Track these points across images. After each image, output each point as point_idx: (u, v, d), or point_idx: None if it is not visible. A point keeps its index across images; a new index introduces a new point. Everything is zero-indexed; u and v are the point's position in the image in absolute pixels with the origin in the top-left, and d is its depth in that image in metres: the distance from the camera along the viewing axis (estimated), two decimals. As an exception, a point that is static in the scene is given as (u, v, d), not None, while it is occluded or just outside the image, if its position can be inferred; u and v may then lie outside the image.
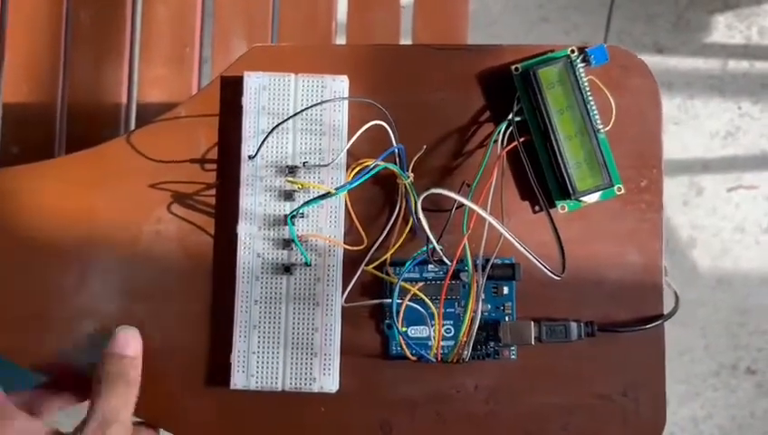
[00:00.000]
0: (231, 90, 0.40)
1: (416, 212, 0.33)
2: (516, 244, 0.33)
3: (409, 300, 0.36)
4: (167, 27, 0.61)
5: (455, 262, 0.34)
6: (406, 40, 0.64)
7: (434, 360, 0.36)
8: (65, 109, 0.61)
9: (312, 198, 0.37)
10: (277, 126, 0.37)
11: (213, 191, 0.40)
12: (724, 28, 1.02)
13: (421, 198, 0.32)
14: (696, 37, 1.02)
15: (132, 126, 0.62)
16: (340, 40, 0.64)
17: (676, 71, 1.01)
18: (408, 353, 0.35)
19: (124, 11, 0.61)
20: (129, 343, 0.38)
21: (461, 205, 0.36)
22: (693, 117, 1.01)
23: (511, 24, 1.02)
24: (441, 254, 0.35)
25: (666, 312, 0.39)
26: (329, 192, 0.36)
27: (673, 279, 0.41)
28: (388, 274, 0.38)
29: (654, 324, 0.38)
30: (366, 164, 0.37)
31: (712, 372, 0.99)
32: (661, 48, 1.01)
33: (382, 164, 0.36)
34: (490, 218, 0.32)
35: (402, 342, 0.35)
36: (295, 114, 0.37)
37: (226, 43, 0.62)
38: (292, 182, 0.37)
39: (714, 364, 0.99)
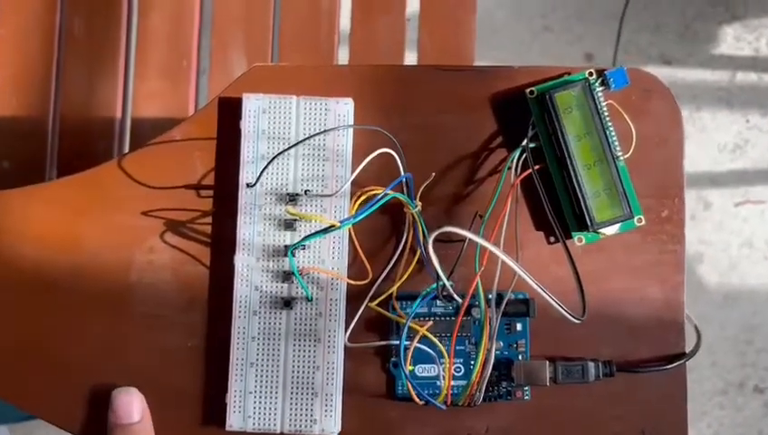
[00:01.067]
0: (229, 112, 0.38)
1: (425, 245, 0.31)
2: (533, 284, 0.30)
3: (417, 341, 0.34)
4: (163, 39, 0.59)
5: (467, 299, 0.32)
6: (410, 53, 0.62)
7: (443, 407, 0.33)
8: (57, 123, 0.59)
9: (314, 230, 0.35)
10: (278, 155, 0.35)
11: (209, 219, 0.38)
12: (733, 40, 1.01)
13: (432, 236, 0.30)
14: (704, 48, 1.00)
15: (127, 141, 0.60)
16: (343, 52, 0.62)
17: (683, 82, 0.99)
18: (415, 398, 0.33)
19: (119, 22, 0.59)
20: (133, 405, 0.35)
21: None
22: (700, 130, 0.99)
23: (514, 34, 1.00)
24: (451, 290, 0.33)
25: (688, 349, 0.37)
26: (332, 225, 0.34)
27: (692, 312, 0.39)
28: (394, 308, 0.36)
29: (676, 364, 0.36)
30: (372, 193, 0.35)
31: (719, 391, 0.97)
32: (668, 59, 0.99)
33: (390, 194, 0.34)
34: (506, 258, 0.30)
35: (409, 386, 0.33)
36: (296, 144, 0.35)
37: (225, 56, 0.60)
38: (291, 214, 0.35)
39: (720, 382, 0.97)
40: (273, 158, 0.35)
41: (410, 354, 0.34)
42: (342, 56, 0.63)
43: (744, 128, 1.00)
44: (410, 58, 0.62)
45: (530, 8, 1.00)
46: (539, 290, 0.31)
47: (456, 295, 0.33)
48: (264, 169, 0.35)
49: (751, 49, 1.00)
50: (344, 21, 0.61)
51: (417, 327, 0.33)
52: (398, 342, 0.33)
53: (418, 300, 0.34)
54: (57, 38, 0.59)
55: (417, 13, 0.61)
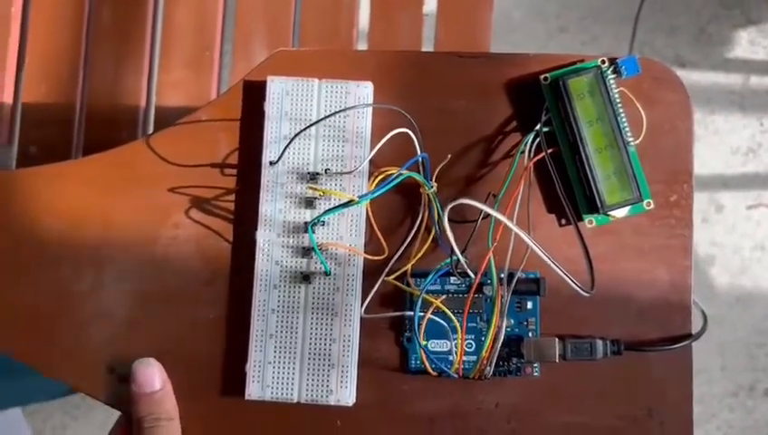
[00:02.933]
0: (253, 94, 0.39)
1: (440, 223, 0.32)
2: (546, 258, 0.32)
3: (433, 312, 0.35)
4: (187, 30, 0.61)
5: (479, 275, 0.33)
6: (428, 47, 0.63)
7: (455, 376, 0.35)
8: (84, 110, 0.61)
9: (333, 205, 0.36)
10: (300, 133, 0.36)
11: (232, 197, 0.39)
12: (747, 43, 1.01)
13: (448, 208, 0.31)
14: (718, 51, 1.01)
15: (150, 129, 0.61)
16: (362, 47, 0.63)
17: (697, 85, 0.99)
18: (428, 368, 0.34)
19: (145, 13, 0.61)
20: (154, 375, 0.37)
21: (487, 216, 0.35)
22: (713, 132, 1.00)
23: (530, 34, 1.01)
24: (465, 266, 0.34)
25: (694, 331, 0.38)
26: (351, 200, 0.35)
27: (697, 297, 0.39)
28: (409, 284, 0.37)
29: (682, 344, 0.37)
30: (389, 172, 0.36)
31: (729, 393, 0.97)
32: (683, 62, 1.00)
33: (406, 173, 0.35)
34: (518, 230, 0.31)
35: (423, 356, 0.34)
36: (318, 121, 0.36)
37: (247, 48, 0.61)
38: (313, 189, 0.36)
39: (731, 385, 0.97)
40: (295, 135, 0.36)
41: (424, 326, 0.35)
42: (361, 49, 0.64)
43: (758, 131, 1.00)
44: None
45: (546, 9, 1.01)
46: (550, 263, 0.32)
47: (469, 271, 0.35)
48: (286, 147, 0.36)
49: (765, 53, 1.01)
50: (363, 16, 0.63)
51: (432, 299, 0.35)
52: (412, 313, 0.34)
53: (432, 274, 0.35)
54: (86, 28, 0.61)
55: (434, 9, 0.62)
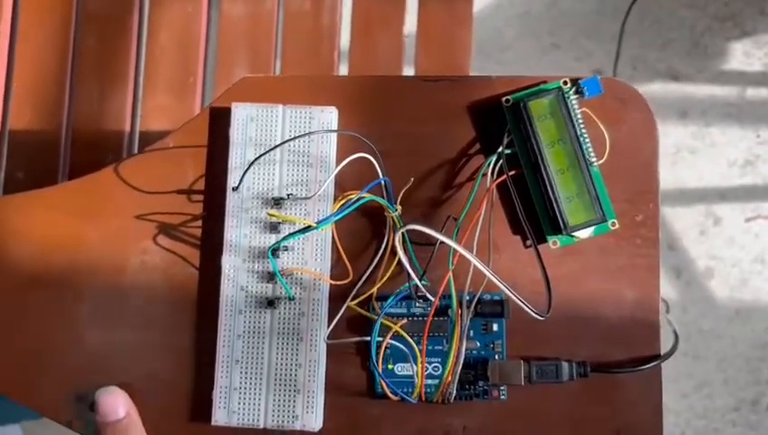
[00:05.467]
0: (219, 121, 0.40)
1: (395, 247, 0.32)
2: (499, 284, 0.32)
3: (396, 336, 0.35)
4: (170, 56, 0.62)
5: (437, 299, 0.33)
6: (408, 69, 0.63)
7: (413, 401, 0.34)
8: (70, 135, 0.61)
9: (295, 230, 0.36)
10: (258, 157, 0.36)
11: (199, 223, 0.39)
12: (742, 55, 1.01)
13: (399, 233, 0.32)
14: (713, 64, 1.01)
15: (135, 153, 0.62)
16: (343, 68, 0.64)
17: (692, 98, 0.99)
18: (389, 394, 0.34)
19: (129, 40, 0.62)
20: (117, 403, 0.37)
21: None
22: (710, 145, 0.99)
23: (523, 51, 1.01)
24: (424, 290, 0.34)
25: (665, 350, 0.37)
26: (309, 226, 0.35)
27: (679, 314, 0.39)
28: (374, 308, 0.37)
29: (649, 365, 0.37)
30: (350, 196, 0.36)
31: (731, 408, 0.96)
32: (676, 75, 1.00)
33: (366, 197, 0.36)
34: (472, 258, 0.31)
35: (383, 383, 0.34)
36: (276, 146, 0.37)
37: (229, 72, 0.62)
38: (272, 215, 0.37)
39: (733, 399, 0.96)
40: (253, 161, 0.36)
41: (383, 351, 0.35)
42: (343, 72, 0.65)
43: (755, 143, 0.99)
44: (408, 73, 0.64)
45: (539, 26, 1.01)
46: (503, 288, 0.32)
47: (428, 294, 0.35)
48: (244, 173, 0.36)
49: (760, 64, 1.00)
50: (345, 38, 0.63)
51: (391, 324, 0.35)
52: (371, 339, 0.34)
53: (391, 298, 0.35)
54: (71, 55, 0.62)
55: (414, 30, 0.62)
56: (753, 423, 0.95)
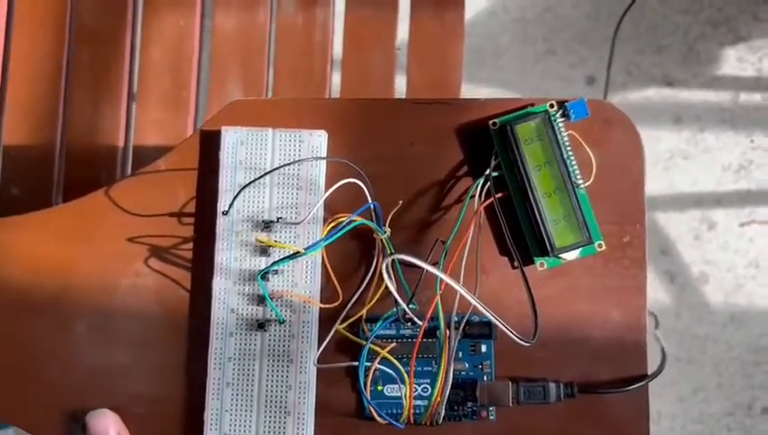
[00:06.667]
0: (210, 143, 0.40)
1: (381, 272, 0.33)
2: (483, 310, 0.32)
3: (386, 359, 0.35)
4: (163, 71, 0.62)
5: (425, 322, 0.34)
6: (400, 81, 0.64)
7: (402, 426, 0.35)
8: (64, 150, 0.62)
9: (285, 255, 0.37)
10: (248, 184, 0.37)
11: (190, 245, 0.40)
12: (735, 61, 1.01)
13: (386, 261, 0.32)
14: (707, 70, 1.01)
15: (129, 168, 0.62)
16: (336, 81, 0.64)
17: (686, 103, 0.99)
18: (377, 418, 0.35)
19: (122, 54, 0.62)
20: (107, 426, 0.37)
21: (436, 261, 0.35)
22: (703, 150, 1.00)
23: (518, 57, 1.01)
24: (411, 314, 0.35)
25: (653, 368, 0.38)
26: (298, 252, 0.36)
27: (673, 319, 0.39)
28: (363, 331, 0.37)
29: (636, 386, 0.37)
30: (340, 220, 0.37)
31: (726, 412, 0.96)
32: (671, 81, 1.00)
33: (356, 221, 0.36)
34: (458, 287, 0.32)
35: (371, 408, 0.34)
36: (266, 173, 0.37)
37: (222, 87, 0.62)
38: (261, 242, 0.37)
39: (728, 404, 0.96)
40: (244, 187, 0.37)
41: (371, 375, 0.35)
42: (335, 85, 0.65)
43: (749, 148, 1.00)
44: (401, 86, 0.64)
45: (534, 32, 1.02)
46: (486, 313, 0.32)
47: (416, 318, 0.35)
48: (235, 198, 0.37)
49: (754, 70, 1.01)
50: (337, 51, 0.64)
51: (378, 349, 0.35)
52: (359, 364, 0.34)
53: (380, 322, 0.35)
54: (65, 70, 0.62)
55: (406, 43, 0.63)
56: (748, 428, 0.96)
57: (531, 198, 0.37)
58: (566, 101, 0.38)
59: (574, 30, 1.02)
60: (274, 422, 0.37)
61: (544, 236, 0.37)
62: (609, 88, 0.96)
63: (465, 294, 0.31)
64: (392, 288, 0.32)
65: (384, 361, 0.35)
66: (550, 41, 1.02)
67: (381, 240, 0.38)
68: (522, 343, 0.33)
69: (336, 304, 0.38)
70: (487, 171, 0.37)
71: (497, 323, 0.32)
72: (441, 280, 0.34)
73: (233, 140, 0.39)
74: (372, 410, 0.34)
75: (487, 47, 1.02)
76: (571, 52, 1.01)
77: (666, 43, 1.01)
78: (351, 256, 0.39)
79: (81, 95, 0.62)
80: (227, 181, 0.38)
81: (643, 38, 1.01)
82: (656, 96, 1.00)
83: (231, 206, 0.37)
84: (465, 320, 0.35)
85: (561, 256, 0.37)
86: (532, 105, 0.39)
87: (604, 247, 0.38)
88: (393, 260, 0.35)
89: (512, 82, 1.01)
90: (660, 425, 0.96)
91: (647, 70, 1.01)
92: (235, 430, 0.37)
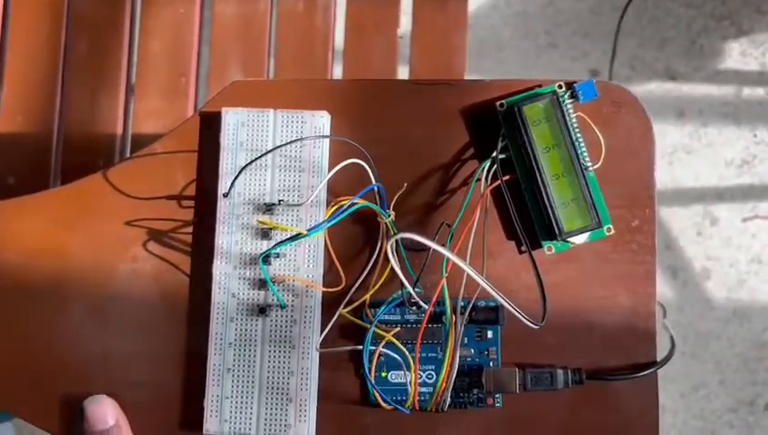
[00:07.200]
0: (210, 125, 0.39)
1: (387, 254, 0.32)
2: (493, 292, 0.31)
3: (390, 344, 0.34)
4: (163, 59, 0.61)
5: (430, 307, 0.33)
6: (403, 69, 0.63)
7: (407, 411, 0.34)
8: (61, 139, 0.61)
9: (285, 238, 0.36)
10: (249, 164, 0.36)
11: (190, 229, 0.39)
12: (739, 55, 1.00)
13: (390, 241, 0.31)
14: (710, 63, 1.00)
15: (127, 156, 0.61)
16: (337, 69, 0.63)
17: (689, 97, 0.99)
18: (382, 403, 0.34)
19: (121, 41, 0.61)
20: (106, 412, 0.36)
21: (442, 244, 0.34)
22: (706, 145, 0.99)
23: (520, 50, 1.01)
24: (417, 297, 0.34)
25: (661, 356, 0.37)
26: (299, 233, 0.35)
27: (676, 314, 0.39)
28: (367, 315, 0.36)
29: (645, 373, 0.36)
30: (343, 202, 0.36)
31: (728, 409, 0.95)
32: (674, 75, 1.00)
33: (359, 203, 0.35)
34: (465, 266, 0.31)
35: (376, 393, 0.33)
36: (267, 152, 0.36)
37: (222, 74, 0.62)
38: (262, 223, 0.36)
39: (730, 400, 0.95)
40: (244, 167, 0.36)
41: (375, 360, 0.35)
42: (337, 73, 0.64)
43: (752, 143, 0.99)
44: (403, 74, 0.63)
45: (536, 25, 1.01)
46: (497, 296, 0.31)
47: (422, 302, 0.34)
48: (235, 178, 0.36)
49: (757, 64, 1.00)
50: (338, 38, 0.63)
51: (383, 333, 0.34)
52: (364, 347, 0.34)
53: (384, 306, 0.34)
54: (62, 58, 0.61)
55: (409, 31, 0.62)
56: (751, 424, 0.95)
57: (538, 180, 0.36)
58: (574, 82, 0.38)
59: (576, 23, 1.01)
60: (276, 409, 0.36)
61: (552, 219, 0.36)
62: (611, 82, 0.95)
63: (471, 274, 0.31)
64: (397, 268, 0.31)
65: (389, 345, 0.34)
66: (552, 34, 1.01)
67: (385, 223, 0.37)
68: (530, 325, 0.32)
69: (339, 288, 0.37)
70: (494, 153, 0.37)
71: (506, 303, 0.31)
72: (447, 262, 0.33)
73: (233, 121, 0.38)
74: (377, 394, 0.34)
75: (489, 40, 1.01)
76: (573, 45, 1.01)
77: (668, 37, 1.00)
78: (355, 241, 0.38)
79: (78, 83, 0.61)
80: (228, 163, 0.38)
81: (646, 31, 1.00)
82: (658, 90, 0.99)
83: (231, 187, 0.36)
84: (471, 304, 0.34)
85: (569, 239, 0.36)
86: (540, 86, 0.38)
87: (613, 231, 0.37)
88: (397, 241, 0.35)
89: (513, 76, 1.00)
90: (661, 421, 0.96)
91: (649, 64, 1.00)
92: (235, 417, 0.36)
